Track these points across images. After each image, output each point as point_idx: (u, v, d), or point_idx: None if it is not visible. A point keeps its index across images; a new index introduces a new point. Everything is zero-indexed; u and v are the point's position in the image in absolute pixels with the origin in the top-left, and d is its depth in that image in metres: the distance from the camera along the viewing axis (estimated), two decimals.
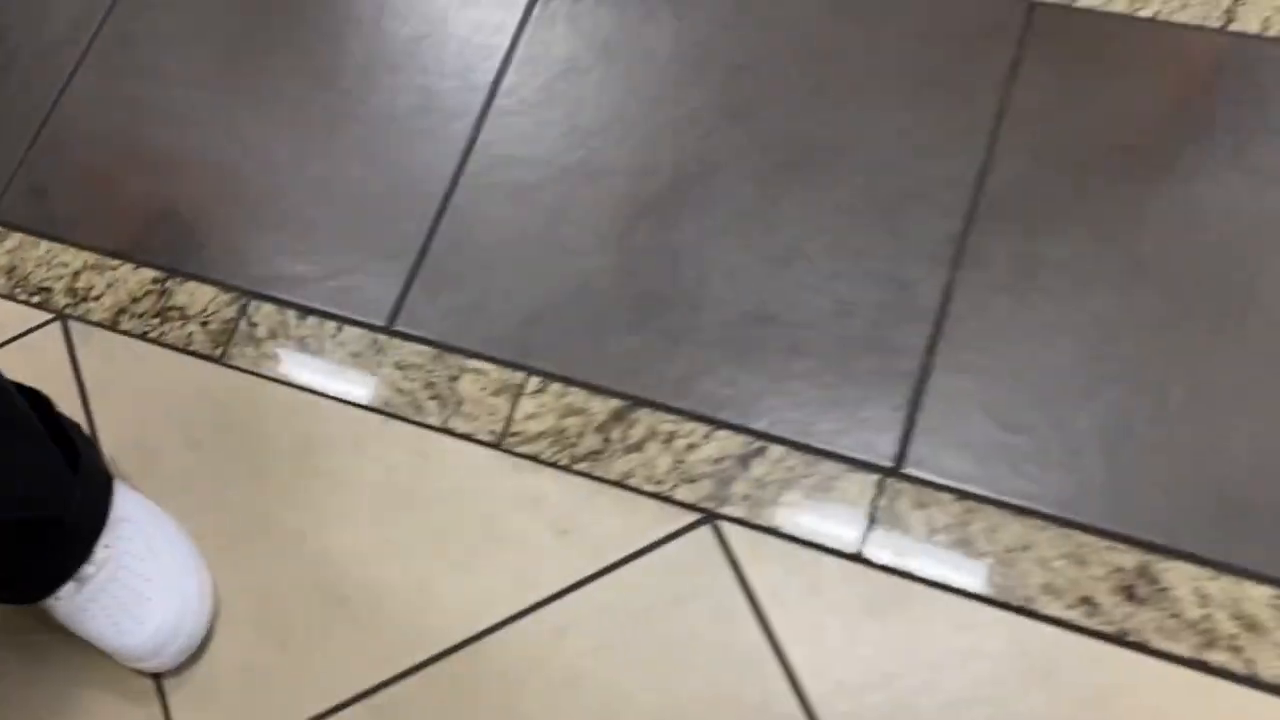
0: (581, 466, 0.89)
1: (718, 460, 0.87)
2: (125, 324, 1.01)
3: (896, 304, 0.89)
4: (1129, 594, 0.78)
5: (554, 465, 0.89)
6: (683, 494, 0.86)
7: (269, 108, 1.08)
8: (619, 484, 0.88)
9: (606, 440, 0.89)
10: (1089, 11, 0.96)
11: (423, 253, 0.98)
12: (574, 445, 0.90)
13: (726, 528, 0.85)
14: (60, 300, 1.04)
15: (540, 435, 0.90)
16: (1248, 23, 0.93)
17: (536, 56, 1.05)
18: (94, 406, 0.98)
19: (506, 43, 1.06)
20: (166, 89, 1.11)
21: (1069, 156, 0.91)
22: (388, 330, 0.96)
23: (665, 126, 0.99)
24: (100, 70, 1.13)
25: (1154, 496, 0.80)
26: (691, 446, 0.88)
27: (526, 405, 0.92)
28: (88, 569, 0.83)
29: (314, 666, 0.86)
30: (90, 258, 1.05)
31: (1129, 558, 0.79)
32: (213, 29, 1.13)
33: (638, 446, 0.89)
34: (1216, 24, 0.93)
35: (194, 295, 1.01)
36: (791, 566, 0.83)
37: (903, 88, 0.96)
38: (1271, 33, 0.92)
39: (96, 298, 1.03)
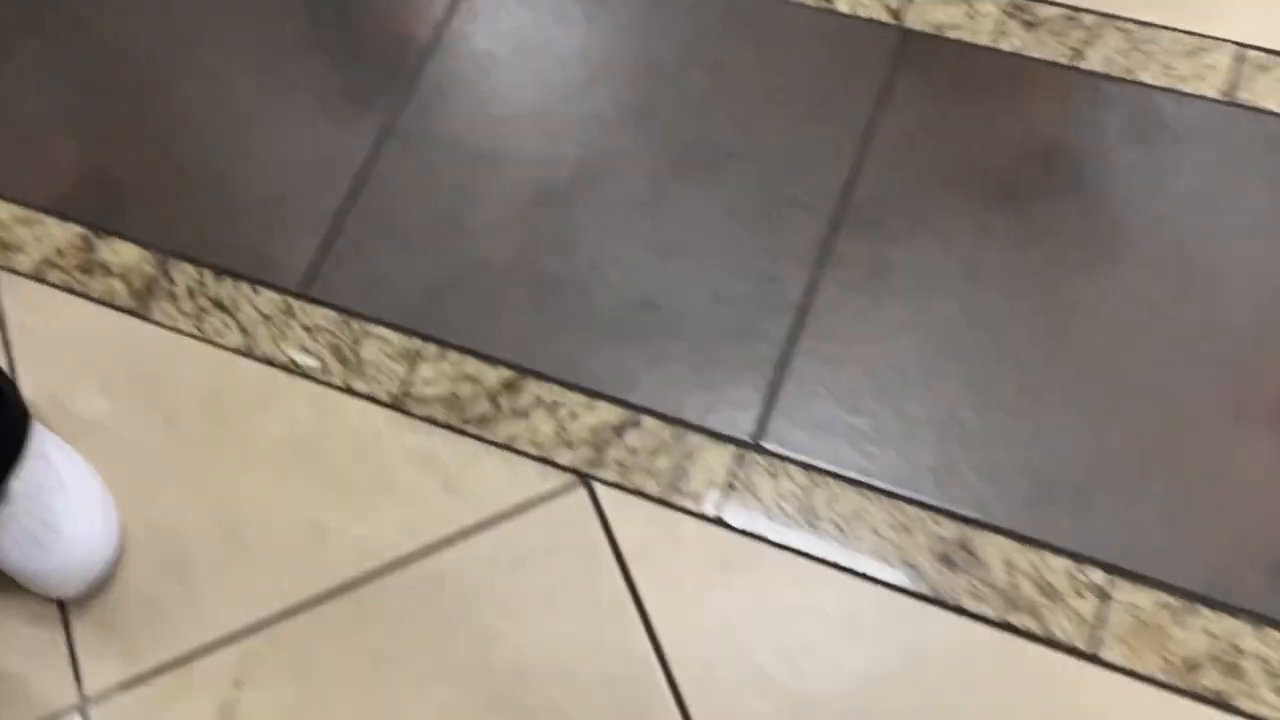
0: (472, 429, 0.97)
1: (596, 429, 0.96)
2: (50, 276, 1.07)
3: (766, 297, 0.99)
4: (947, 561, 0.88)
5: (446, 426, 0.97)
6: (562, 457, 0.95)
7: (200, 82, 1.14)
8: (505, 446, 0.96)
9: (496, 406, 0.97)
10: (957, 41, 1.06)
11: (337, 225, 1.06)
12: (466, 409, 0.98)
13: (600, 490, 0.94)
14: None
15: (435, 399, 0.98)
16: (1093, 62, 1.04)
17: (456, 48, 1.12)
18: (15, 352, 1.04)
19: (429, 34, 1.13)
20: (103, 57, 1.17)
21: (927, 173, 1.01)
22: (299, 295, 1.04)
23: (570, 121, 1.08)
24: (40, 38, 1.19)
25: (974, 477, 0.90)
26: (573, 416, 0.96)
27: (424, 371, 0.99)
28: (1, 499, 0.89)
29: (212, 600, 0.93)
30: (20, 212, 1.10)
31: (949, 529, 0.89)
32: (151, 5, 1.19)
33: (524, 413, 0.97)
34: (1066, 60, 1.04)
35: (118, 252, 1.07)
36: (655, 526, 0.92)
37: (786, 101, 1.05)
38: (1114, 72, 1.03)
39: (24, 250, 1.08)
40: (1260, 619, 0.85)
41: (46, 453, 0.93)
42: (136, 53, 1.16)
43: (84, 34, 1.18)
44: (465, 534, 0.94)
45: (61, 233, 1.09)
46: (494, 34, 1.12)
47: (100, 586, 0.94)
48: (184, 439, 0.99)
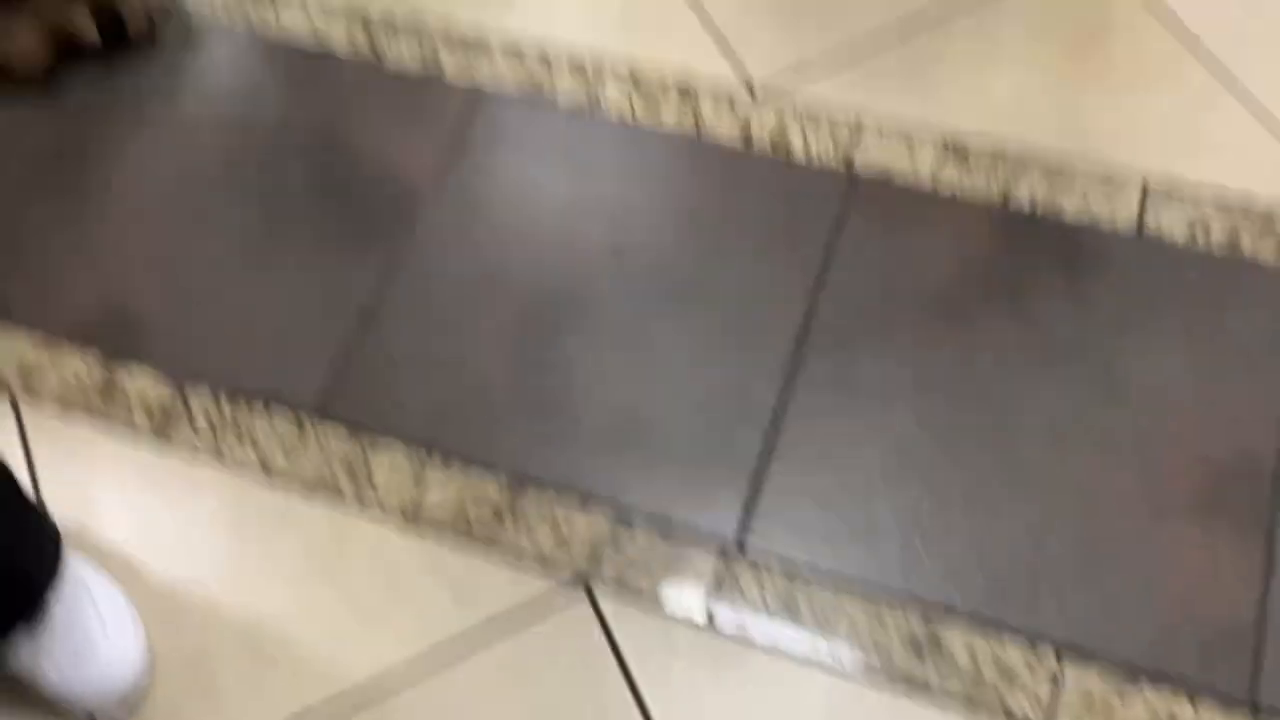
0: (478, 540, 1.05)
1: (592, 539, 1.05)
2: (72, 404, 1.14)
3: (743, 411, 1.09)
4: (916, 649, 0.98)
5: (454, 539, 1.05)
6: (562, 566, 1.04)
7: (213, 222, 1.23)
8: (510, 556, 1.04)
9: (500, 519, 1.06)
10: (900, 180, 1.20)
11: (346, 352, 1.15)
12: (472, 522, 1.06)
13: (600, 595, 1.02)
14: (11, 379, 1.16)
15: (443, 512, 1.07)
16: (1020, 194, 1.18)
17: (454, 191, 1.23)
18: (41, 478, 1.10)
19: (429, 179, 1.24)
20: (119, 196, 1.25)
21: (880, 297, 1.13)
22: (313, 416, 1.12)
23: (558, 258, 1.19)
24: (61, 180, 1.27)
25: (937, 572, 1.01)
26: (571, 526, 1.05)
27: (432, 485, 1.08)
28: (39, 621, 0.95)
29: (236, 711, 0.99)
30: (42, 342, 1.17)
31: (917, 621, 0.99)
32: (165, 152, 1.28)
33: (527, 524, 1.06)
34: (997, 194, 1.18)
35: (137, 380, 1.15)
36: (651, 628, 1.01)
37: (750, 237, 1.18)
38: (1039, 203, 1.17)
39: (46, 379, 1.15)
40: (1194, 690, 0.95)
41: (80, 576, 1.00)
42: (152, 193, 1.25)
43: (102, 177, 1.27)
44: (475, 640, 1.01)
45: (82, 362, 1.16)
46: (490, 183, 1.24)
47: (132, 705, 0.99)
48: (205, 559, 1.06)
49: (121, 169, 1.28)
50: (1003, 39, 1.29)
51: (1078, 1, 1.31)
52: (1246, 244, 1.13)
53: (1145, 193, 1.17)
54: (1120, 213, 1.16)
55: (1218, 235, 1.13)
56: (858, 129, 1.23)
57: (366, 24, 1.36)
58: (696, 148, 1.24)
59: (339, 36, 1.35)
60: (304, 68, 1.34)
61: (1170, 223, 1.15)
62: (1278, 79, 1.23)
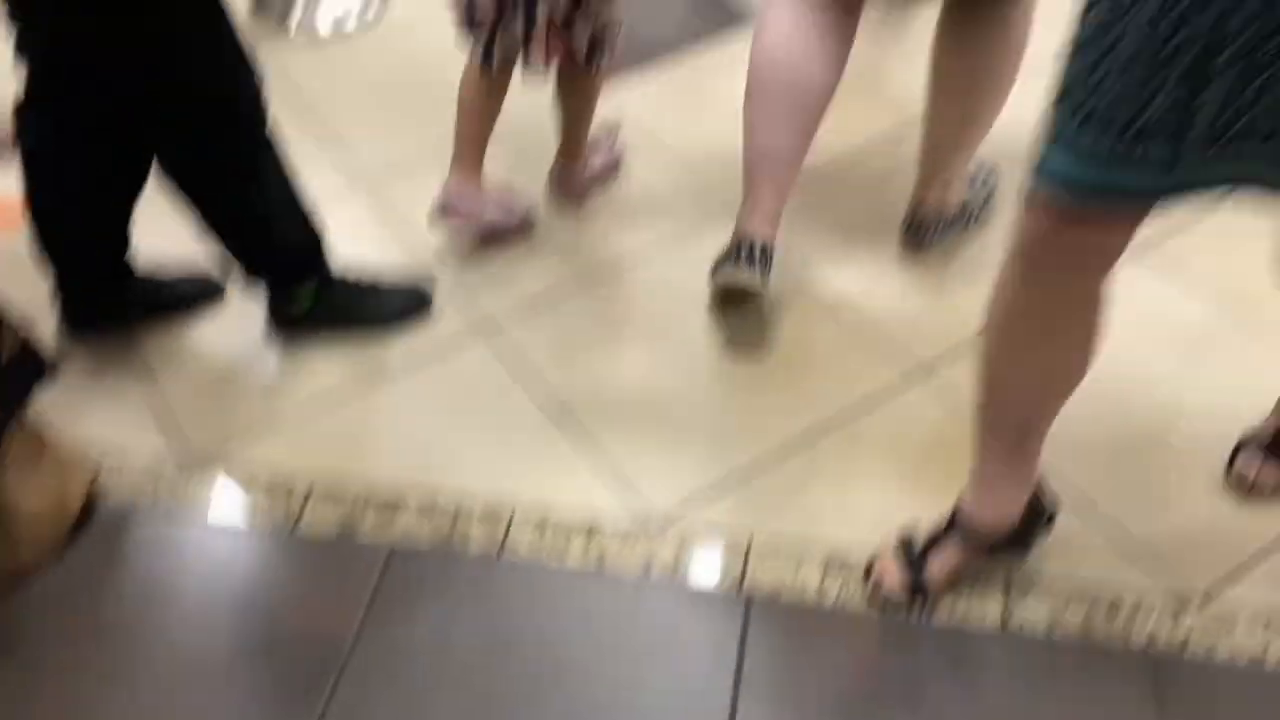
0: None
1: None
2: None
3: None
4: None
5: None
6: None
7: (139, 701, 1.26)
8: None
9: None
10: (791, 602, 1.31)
11: None
12: None
13: None
14: None
15: None
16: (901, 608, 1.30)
17: (375, 650, 1.29)
18: None
19: (351, 639, 1.30)
20: (41, 685, 1.27)
21: (793, 712, 1.21)
22: None
23: (480, 700, 1.24)
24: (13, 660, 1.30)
25: None
26: None
27: None
28: None
29: None
30: None
31: None
32: (85, 638, 1.33)
33: None
34: (878, 607, 1.30)
35: None
36: None
37: (662, 663, 1.26)
38: (919, 618, 1.29)
39: None
40: None
41: None
42: (74, 682, 1.28)
43: (25, 663, 1.29)
44: None
45: None
46: (406, 630, 1.31)
47: None
48: None
49: (40, 658, 1.31)
50: (860, 458, 1.47)
51: (915, 422, 1.51)
52: (1099, 631, 1.26)
53: (1009, 588, 1.30)
54: (990, 611, 1.28)
55: (1073, 625, 1.26)
56: (747, 551, 1.36)
57: (288, 493, 1.47)
58: (602, 582, 1.34)
59: (260, 506, 1.45)
60: (225, 540, 1.43)
61: (1033, 616, 1.28)
62: (1109, 484, 1.42)
